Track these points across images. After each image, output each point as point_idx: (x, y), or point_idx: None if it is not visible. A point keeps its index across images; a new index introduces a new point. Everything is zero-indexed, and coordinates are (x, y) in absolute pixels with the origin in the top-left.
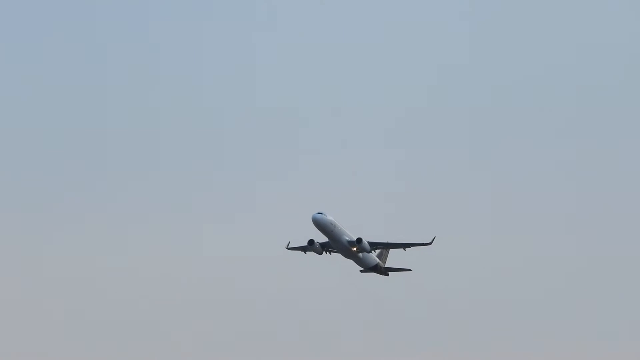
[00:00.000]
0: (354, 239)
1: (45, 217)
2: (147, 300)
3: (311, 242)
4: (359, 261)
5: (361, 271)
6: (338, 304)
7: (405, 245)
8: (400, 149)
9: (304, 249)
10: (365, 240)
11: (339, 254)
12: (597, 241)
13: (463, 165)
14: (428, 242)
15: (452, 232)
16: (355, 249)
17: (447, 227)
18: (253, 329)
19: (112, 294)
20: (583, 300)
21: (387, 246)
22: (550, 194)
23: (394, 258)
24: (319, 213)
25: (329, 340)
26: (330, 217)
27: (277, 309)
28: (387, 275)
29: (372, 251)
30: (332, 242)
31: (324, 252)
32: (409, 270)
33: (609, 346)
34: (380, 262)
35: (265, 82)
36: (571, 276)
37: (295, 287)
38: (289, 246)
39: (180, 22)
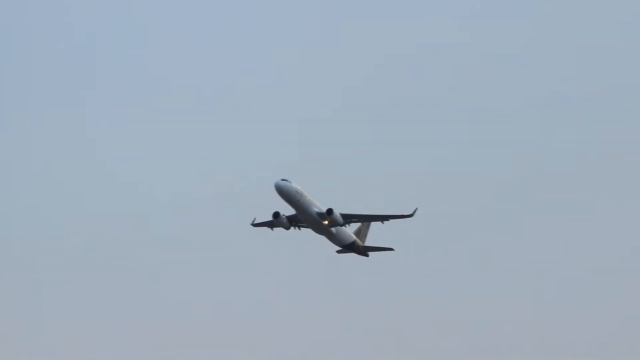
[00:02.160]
0: (324, 210)
1: None
2: None
3: (276, 214)
4: (332, 238)
5: (338, 251)
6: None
7: (383, 218)
8: None
9: (270, 224)
10: (337, 212)
11: (310, 229)
12: None
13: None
14: (409, 213)
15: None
16: (326, 222)
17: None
18: None
19: None
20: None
21: (362, 218)
22: None
23: (374, 236)
24: (282, 179)
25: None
26: (296, 185)
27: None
28: (367, 256)
29: (346, 225)
30: (299, 214)
31: (292, 226)
32: (392, 249)
33: None
34: (357, 239)
35: None
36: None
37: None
38: (254, 222)
39: None
